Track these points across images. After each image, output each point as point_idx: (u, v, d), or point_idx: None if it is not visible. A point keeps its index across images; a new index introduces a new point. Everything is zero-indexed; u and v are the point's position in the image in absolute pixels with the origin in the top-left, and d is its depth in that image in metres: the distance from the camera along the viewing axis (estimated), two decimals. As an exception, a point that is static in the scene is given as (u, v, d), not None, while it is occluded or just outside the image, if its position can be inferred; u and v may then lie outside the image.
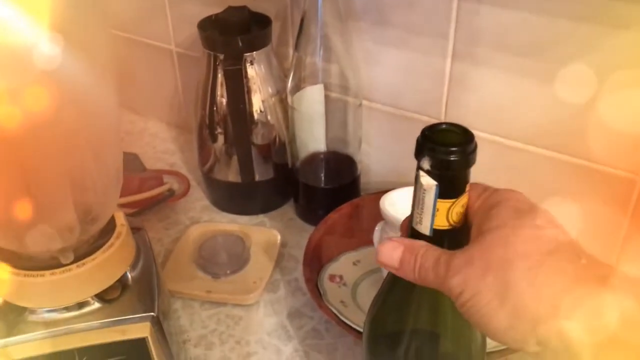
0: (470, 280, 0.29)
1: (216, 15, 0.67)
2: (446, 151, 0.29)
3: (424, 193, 0.30)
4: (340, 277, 0.60)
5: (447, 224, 0.31)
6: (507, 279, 0.28)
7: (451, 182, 0.30)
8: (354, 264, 0.62)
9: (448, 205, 0.30)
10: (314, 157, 0.71)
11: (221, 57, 0.66)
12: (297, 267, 0.65)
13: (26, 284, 0.42)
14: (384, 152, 0.73)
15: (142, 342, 0.44)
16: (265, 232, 0.68)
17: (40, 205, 0.39)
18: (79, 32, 0.38)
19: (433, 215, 0.31)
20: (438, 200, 0.30)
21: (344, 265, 0.62)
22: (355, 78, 0.67)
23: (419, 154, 0.30)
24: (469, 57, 0.61)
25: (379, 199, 0.57)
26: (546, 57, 0.56)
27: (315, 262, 0.60)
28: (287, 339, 0.57)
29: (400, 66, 0.66)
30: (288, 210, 0.74)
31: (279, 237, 0.67)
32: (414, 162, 0.74)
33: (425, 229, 0.31)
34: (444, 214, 0.30)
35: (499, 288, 0.28)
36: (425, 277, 0.31)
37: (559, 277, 0.28)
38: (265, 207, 0.74)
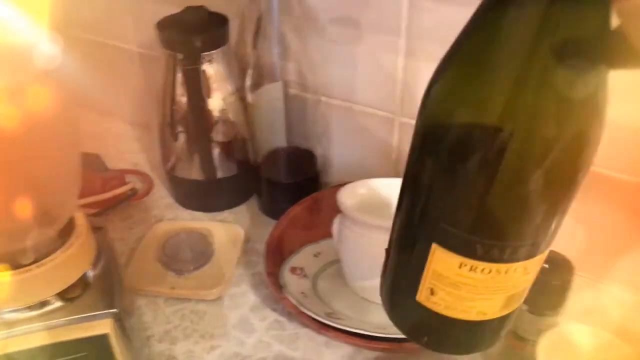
0: None
1: (174, 15, 0.68)
2: None
3: None
4: (302, 269, 0.62)
5: None
6: None
7: None
8: (315, 255, 0.64)
9: None
10: (275, 153, 0.72)
11: (180, 56, 0.67)
12: (261, 261, 0.66)
13: (-14, 285, 0.43)
14: (344, 146, 0.75)
15: (104, 338, 0.45)
16: (228, 228, 0.70)
17: (-3, 208, 0.40)
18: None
19: None
20: None
21: (305, 258, 0.63)
22: (313, 75, 0.68)
23: None
24: (421, 53, 0.62)
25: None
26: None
27: (277, 255, 0.62)
28: (251, 331, 0.59)
29: (356, 63, 0.68)
30: (252, 205, 0.76)
31: (242, 233, 0.68)
32: (373, 156, 0.76)
33: None
34: None
35: None
36: None
37: None
38: (229, 203, 0.75)
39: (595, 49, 0.24)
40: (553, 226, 0.29)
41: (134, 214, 0.74)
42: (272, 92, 0.68)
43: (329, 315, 0.54)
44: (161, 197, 0.77)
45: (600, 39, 0.23)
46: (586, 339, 0.46)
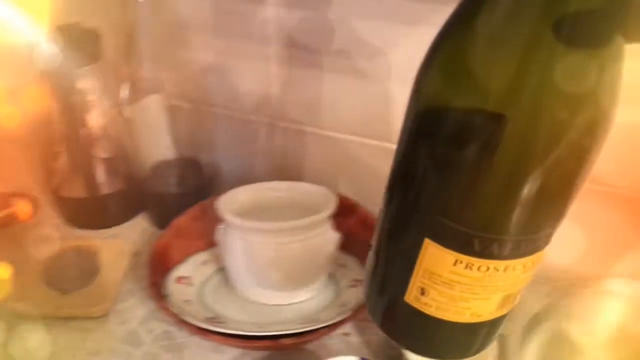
0: None
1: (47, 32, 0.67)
2: None
3: None
4: (188, 277, 0.62)
5: None
6: None
7: None
8: (203, 264, 0.65)
9: None
10: (161, 165, 0.72)
11: (55, 74, 0.66)
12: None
13: None
14: (231, 153, 0.76)
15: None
16: (115, 244, 0.69)
17: None
18: None
19: None
20: None
21: (192, 266, 0.64)
22: (192, 85, 0.69)
23: None
24: (293, 60, 0.65)
25: (224, 199, 0.60)
26: (358, 55, 0.61)
27: (162, 266, 0.62)
28: (139, 344, 0.59)
29: (233, 71, 0.69)
30: (143, 220, 0.76)
31: (129, 248, 0.68)
32: (260, 161, 0.77)
33: None
34: None
35: None
36: None
37: None
38: (118, 219, 0.75)
39: (610, 18, 0.21)
40: (558, 217, 0.27)
41: (19, 237, 0.72)
42: (151, 105, 0.68)
43: (210, 320, 0.55)
44: (48, 217, 0.76)
45: (616, 8, 0.21)
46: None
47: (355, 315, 0.54)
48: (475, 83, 0.23)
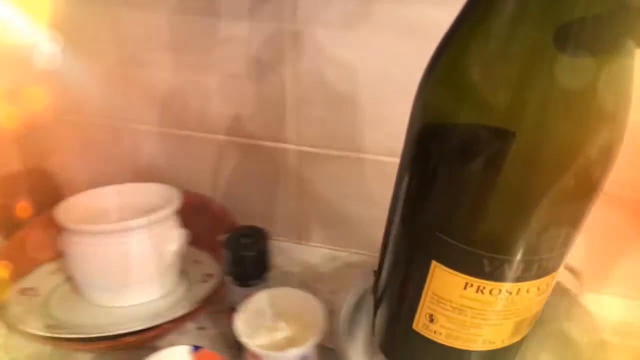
0: None
1: None
2: None
3: None
4: (34, 289, 0.61)
5: None
6: None
7: None
8: (51, 273, 0.64)
9: None
10: (7, 177, 0.70)
11: None
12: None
13: None
14: (82, 160, 0.74)
15: None
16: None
17: None
18: None
19: None
20: None
21: (39, 277, 0.63)
22: (35, 92, 0.68)
23: None
24: (131, 59, 0.65)
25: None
26: (195, 50, 0.62)
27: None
28: (-16, 361, 0.57)
29: (77, 73, 0.68)
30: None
31: (-26, 264, 0.66)
32: (110, 165, 0.75)
33: None
34: None
35: None
36: None
37: None
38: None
39: (619, 23, 0.20)
40: (572, 235, 0.25)
41: None
42: None
43: (51, 327, 0.54)
44: None
45: (624, 13, 0.20)
46: (284, 300, 0.51)
47: (201, 308, 0.55)
48: (481, 97, 0.22)
